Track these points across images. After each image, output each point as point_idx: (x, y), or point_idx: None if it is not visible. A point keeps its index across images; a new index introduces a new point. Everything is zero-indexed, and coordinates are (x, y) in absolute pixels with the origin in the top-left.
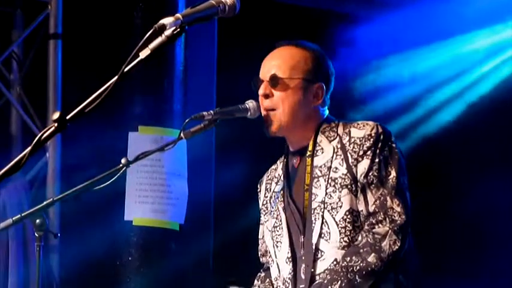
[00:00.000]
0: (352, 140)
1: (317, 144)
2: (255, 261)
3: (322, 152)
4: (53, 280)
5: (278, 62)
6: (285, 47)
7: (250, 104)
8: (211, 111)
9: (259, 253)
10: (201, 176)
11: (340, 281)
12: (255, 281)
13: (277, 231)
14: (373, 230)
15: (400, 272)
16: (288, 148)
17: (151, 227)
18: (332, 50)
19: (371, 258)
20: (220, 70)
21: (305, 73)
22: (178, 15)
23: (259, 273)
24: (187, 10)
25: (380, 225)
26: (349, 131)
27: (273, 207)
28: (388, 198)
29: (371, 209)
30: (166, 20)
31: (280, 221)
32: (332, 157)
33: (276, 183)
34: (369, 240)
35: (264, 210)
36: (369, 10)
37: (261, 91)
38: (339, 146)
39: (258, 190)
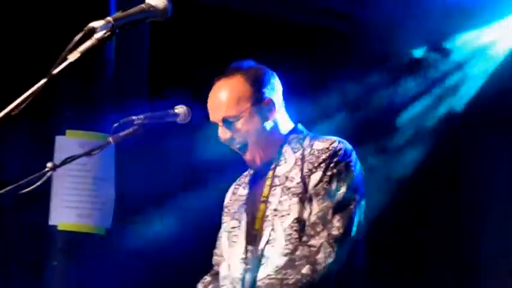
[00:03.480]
0: (312, 151)
1: (282, 155)
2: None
3: (285, 162)
4: None
5: (222, 103)
6: (219, 82)
7: (180, 109)
8: (141, 116)
9: (214, 255)
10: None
11: None
12: (198, 285)
13: (235, 231)
14: (309, 243)
15: None
16: None
17: (77, 232)
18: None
19: (305, 270)
20: (152, 73)
21: (250, 98)
22: (109, 18)
23: (204, 277)
24: (118, 13)
25: (317, 237)
26: (313, 144)
27: (235, 210)
28: (330, 211)
29: (312, 219)
30: (97, 23)
31: (240, 222)
32: (292, 167)
33: (244, 188)
34: (304, 252)
35: (226, 212)
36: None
37: (221, 136)
38: (300, 157)
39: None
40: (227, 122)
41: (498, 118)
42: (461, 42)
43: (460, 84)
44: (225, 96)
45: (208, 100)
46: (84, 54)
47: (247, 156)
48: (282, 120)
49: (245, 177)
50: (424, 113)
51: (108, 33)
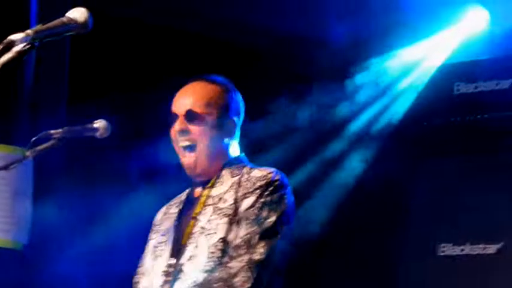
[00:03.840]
0: (249, 178)
1: (220, 177)
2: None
3: (222, 184)
4: None
5: (193, 98)
6: (198, 82)
7: (99, 123)
8: (59, 130)
9: (137, 273)
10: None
11: None
12: None
13: (161, 246)
14: (228, 265)
15: None
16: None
17: None
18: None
19: None
20: (72, 87)
21: (220, 109)
22: (28, 31)
23: None
24: (38, 27)
25: (238, 259)
26: (251, 172)
27: (165, 226)
28: (256, 237)
29: (237, 241)
30: (16, 36)
31: (167, 238)
32: (227, 190)
33: (176, 207)
34: (222, 275)
35: (154, 230)
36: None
37: (176, 126)
38: (237, 181)
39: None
40: (190, 116)
41: (425, 138)
42: (389, 61)
43: (389, 104)
44: (199, 92)
45: (179, 92)
46: (2, 67)
47: (190, 159)
48: (234, 145)
49: (179, 198)
50: (355, 133)
51: (28, 46)
